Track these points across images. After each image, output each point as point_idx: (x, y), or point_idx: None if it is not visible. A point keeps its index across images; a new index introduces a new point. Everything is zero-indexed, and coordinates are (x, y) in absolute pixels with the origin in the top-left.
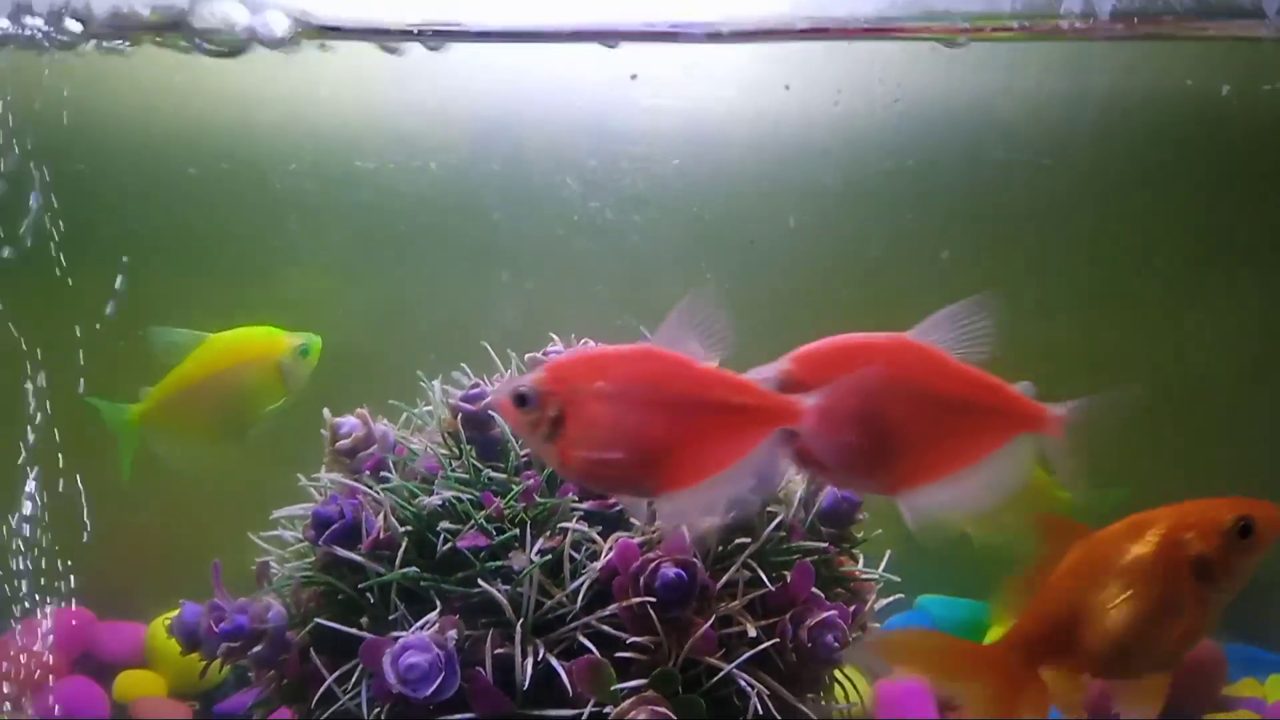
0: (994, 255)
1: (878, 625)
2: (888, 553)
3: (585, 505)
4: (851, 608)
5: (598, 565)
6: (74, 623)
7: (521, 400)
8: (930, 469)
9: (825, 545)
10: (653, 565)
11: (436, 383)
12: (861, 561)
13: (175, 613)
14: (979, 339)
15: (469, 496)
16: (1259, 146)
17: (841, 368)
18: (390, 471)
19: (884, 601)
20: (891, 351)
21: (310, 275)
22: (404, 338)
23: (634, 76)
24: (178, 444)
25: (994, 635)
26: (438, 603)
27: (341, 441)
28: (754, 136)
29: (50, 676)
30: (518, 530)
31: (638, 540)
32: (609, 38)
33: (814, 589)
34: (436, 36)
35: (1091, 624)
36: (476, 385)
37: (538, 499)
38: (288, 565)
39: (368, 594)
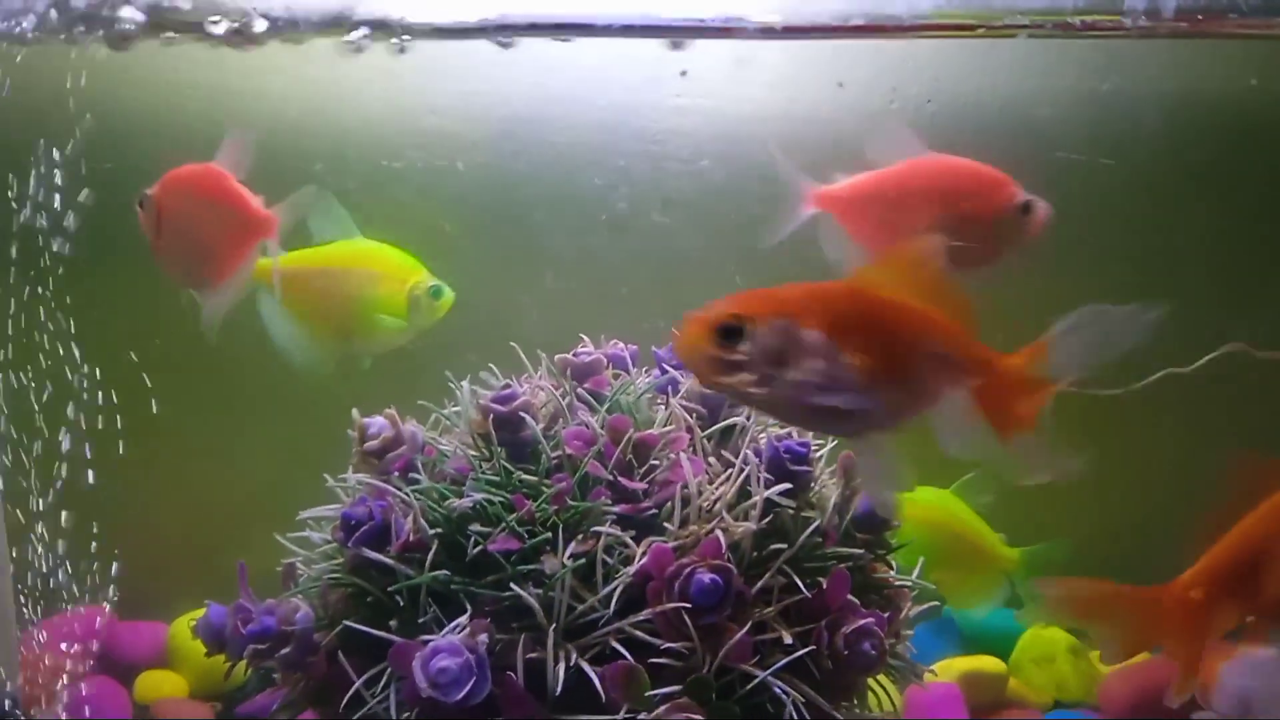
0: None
1: (910, 634)
2: (920, 559)
3: (618, 509)
4: (886, 615)
5: (631, 570)
6: (96, 621)
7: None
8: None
9: (860, 551)
10: (687, 571)
11: (465, 383)
12: (895, 568)
13: (199, 613)
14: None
15: (500, 499)
16: None
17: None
18: (419, 473)
19: (918, 609)
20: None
21: None
22: (430, 338)
23: (684, 73)
24: (289, 318)
25: (1025, 641)
26: (468, 606)
27: (370, 442)
28: (784, 136)
29: (72, 676)
30: (549, 534)
31: (672, 545)
32: (660, 33)
33: (849, 596)
34: (485, 33)
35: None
36: (508, 386)
37: (570, 502)
38: (315, 567)
39: (397, 597)
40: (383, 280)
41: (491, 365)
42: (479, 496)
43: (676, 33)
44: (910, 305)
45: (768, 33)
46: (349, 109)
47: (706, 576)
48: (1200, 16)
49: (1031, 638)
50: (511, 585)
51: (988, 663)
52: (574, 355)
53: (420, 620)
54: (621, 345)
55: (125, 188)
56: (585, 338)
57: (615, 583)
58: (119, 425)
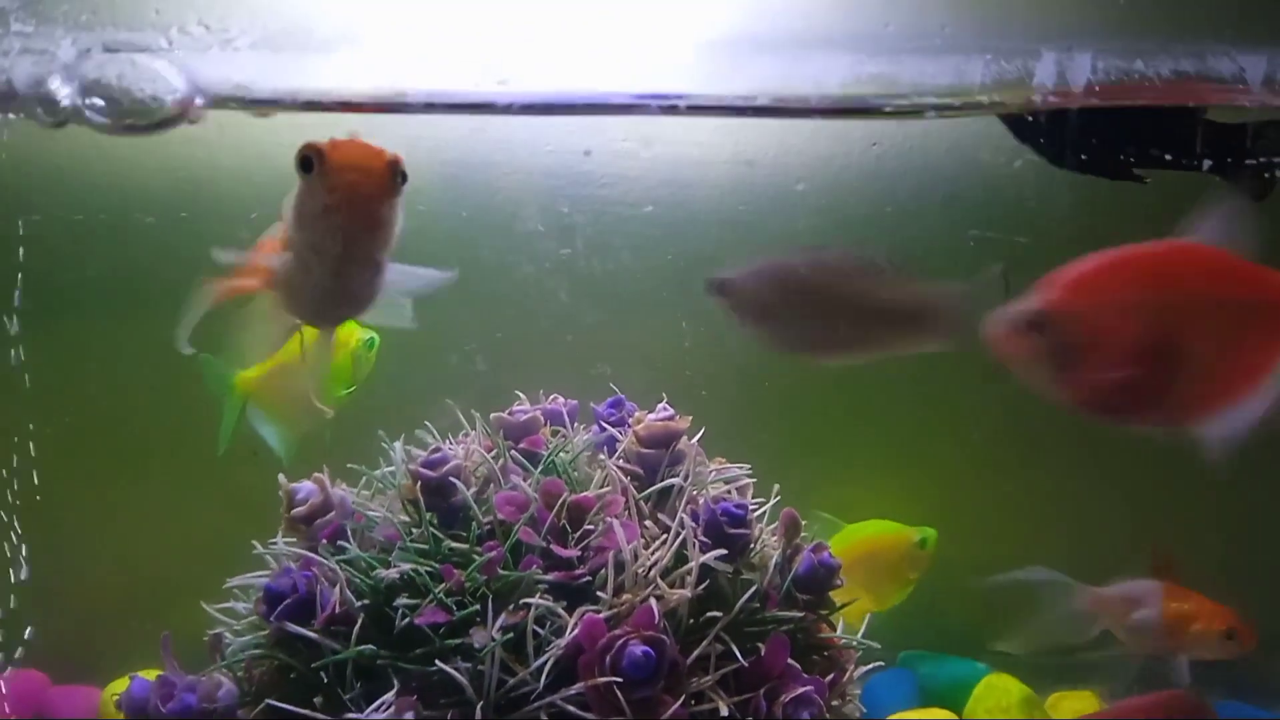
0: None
1: (858, 692)
2: (866, 616)
3: (550, 577)
4: (829, 677)
5: (562, 642)
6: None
7: (1040, 325)
8: (1227, 388)
9: (800, 615)
10: (620, 642)
11: (398, 444)
12: (841, 626)
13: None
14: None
15: (428, 569)
16: None
17: (1114, 288)
18: (349, 540)
19: (864, 669)
20: (1168, 257)
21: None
22: (362, 391)
23: (588, 153)
24: (270, 416)
25: (979, 691)
26: (395, 682)
27: (298, 508)
28: (729, 180)
29: None
30: (479, 605)
31: (605, 614)
32: (562, 111)
33: (790, 661)
34: (379, 109)
35: None
36: (438, 450)
37: (501, 571)
38: (240, 640)
39: (322, 672)
40: (336, 351)
41: (428, 423)
42: (406, 567)
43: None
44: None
45: (670, 111)
46: (284, 157)
47: (639, 649)
48: (1114, 89)
49: (985, 688)
50: (429, 660)
51: (940, 715)
52: (509, 414)
53: (346, 696)
54: (561, 400)
55: None
56: (522, 395)
57: (546, 655)
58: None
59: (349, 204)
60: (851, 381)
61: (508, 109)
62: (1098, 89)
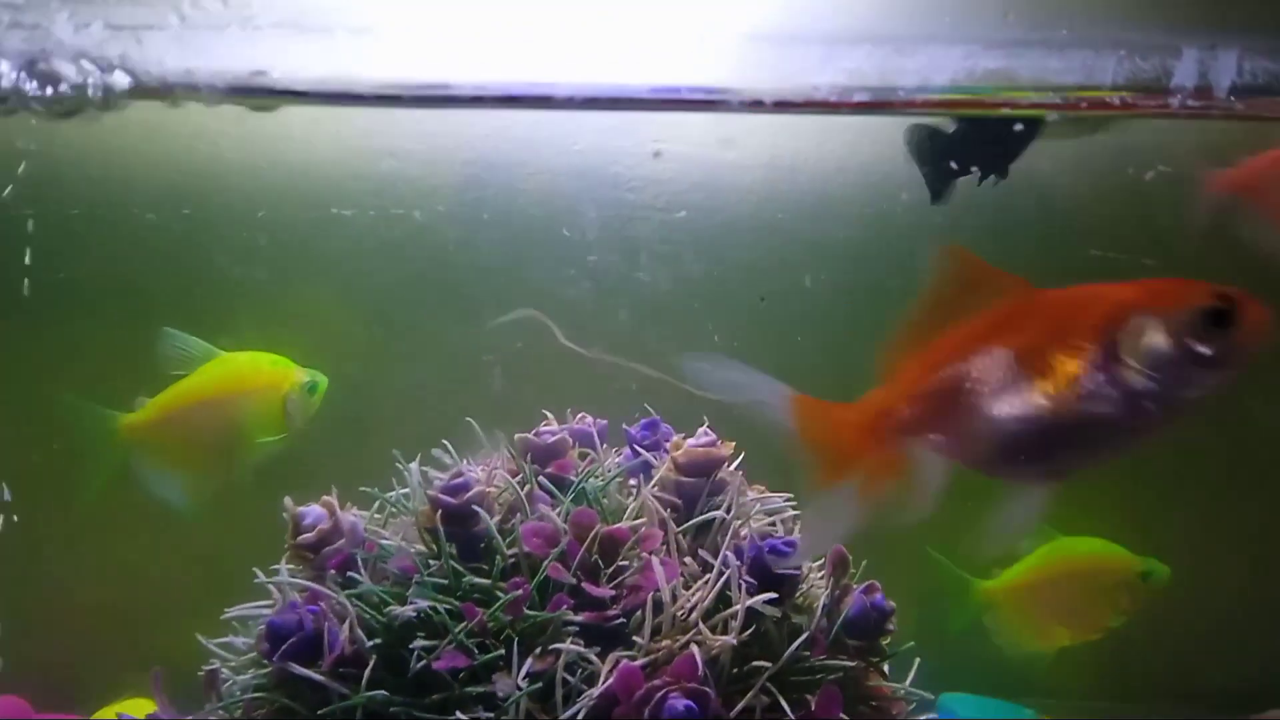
0: None
1: None
2: (916, 661)
3: (581, 618)
4: None
5: (595, 692)
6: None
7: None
8: None
9: (853, 664)
10: (659, 695)
11: (414, 465)
12: (888, 670)
13: (121, 706)
14: None
15: (447, 606)
16: None
17: None
18: (359, 571)
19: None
20: None
21: (281, 330)
22: (382, 404)
23: (657, 154)
24: (165, 466)
25: None
26: None
27: (304, 535)
28: (765, 186)
29: None
30: (503, 648)
31: (640, 662)
32: (626, 105)
33: (841, 716)
34: (418, 103)
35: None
36: (459, 474)
37: (527, 611)
38: (239, 678)
39: (329, 719)
40: (256, 397)
41: (445, 442)
42: (424, 604)
43: (649, 105)
44: None
45: (755, 106)
46: (296, 151)
47: (681, 702)
48: (1261, 97)
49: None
50: (447, 708)
51: None
52: (535, 435)
53: None
54: (590, 420)
55: None
56: (549, 415)
57: (577, 707)
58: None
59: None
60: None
61: (568, 103)
62: (1243, 98)
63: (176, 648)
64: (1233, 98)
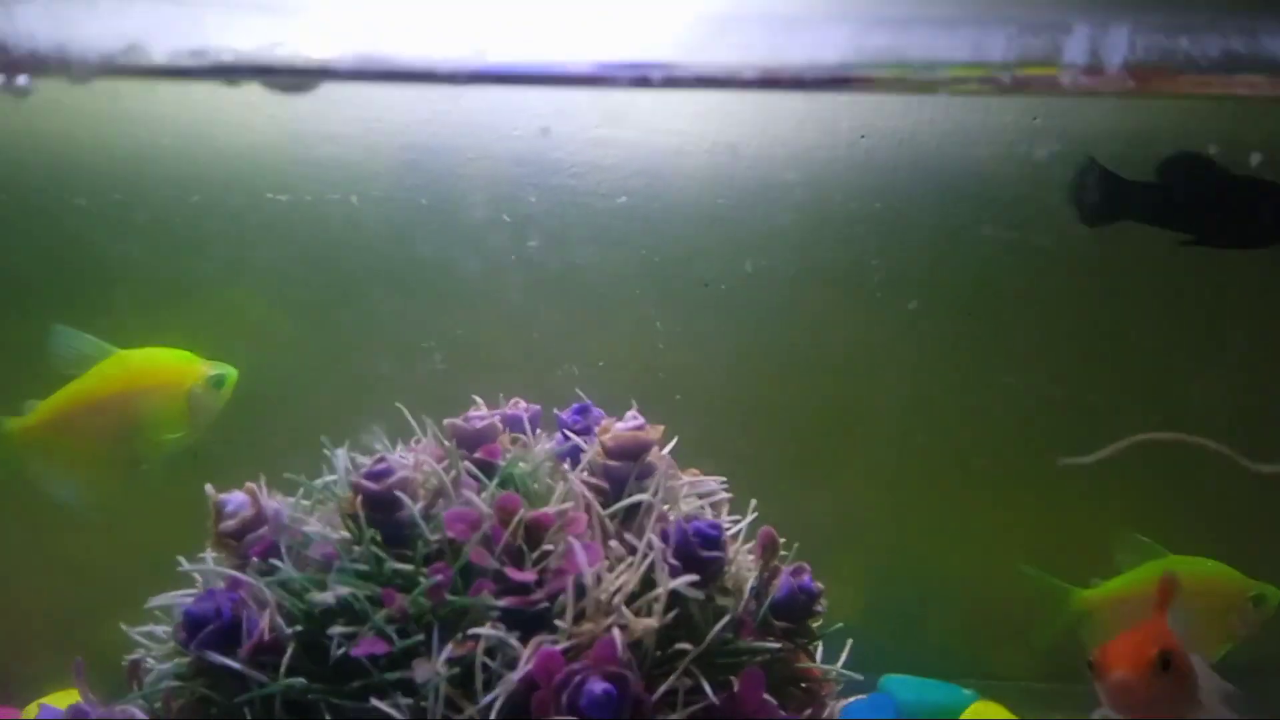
0: (965, 305)
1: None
2: (849, 643)
3: (504, 603)
4: (807, 711)
5: (515, 676)
6: None
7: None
8: None
9: (778, 645)
10: (578, 678)
11: (341, 451)
12: (821, 653)
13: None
14: None
15: (368, 592)
16: None
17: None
18: (283, 557)
19: (845, 701)
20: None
21: (210, 316)
22: (313, 391)
23: (546, 130)
24: (60, 470)
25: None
26: (328, 718)
27: (226, 522)
28: (708, 171)
29: None
30: (423, 634)
31: (563, 645)
32: (521, 81)
33: (766, 696)
34: (292, 75)
35: None
36: (382, 459)
37: (448, 596)
38: (159, 667)
39: (247, 707)
40: (156, 394)
41: (376, 428)
42: (344, 590)
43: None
44: None
45: (641, 84)
46: (232, 135)
47: (599, 685)
48: (1152, 74)
49: (971, 716)
50: (367, 695)
51: None
52: (464, 420)
53: None
54: (524, 405)
55: None
56: (479, 400)
57: (496, 691)
58: None
59: None
60: (847, 392)
61: (488, 79)
62: (1134, 71)
63: (108, 640)
64: (1125, 74)
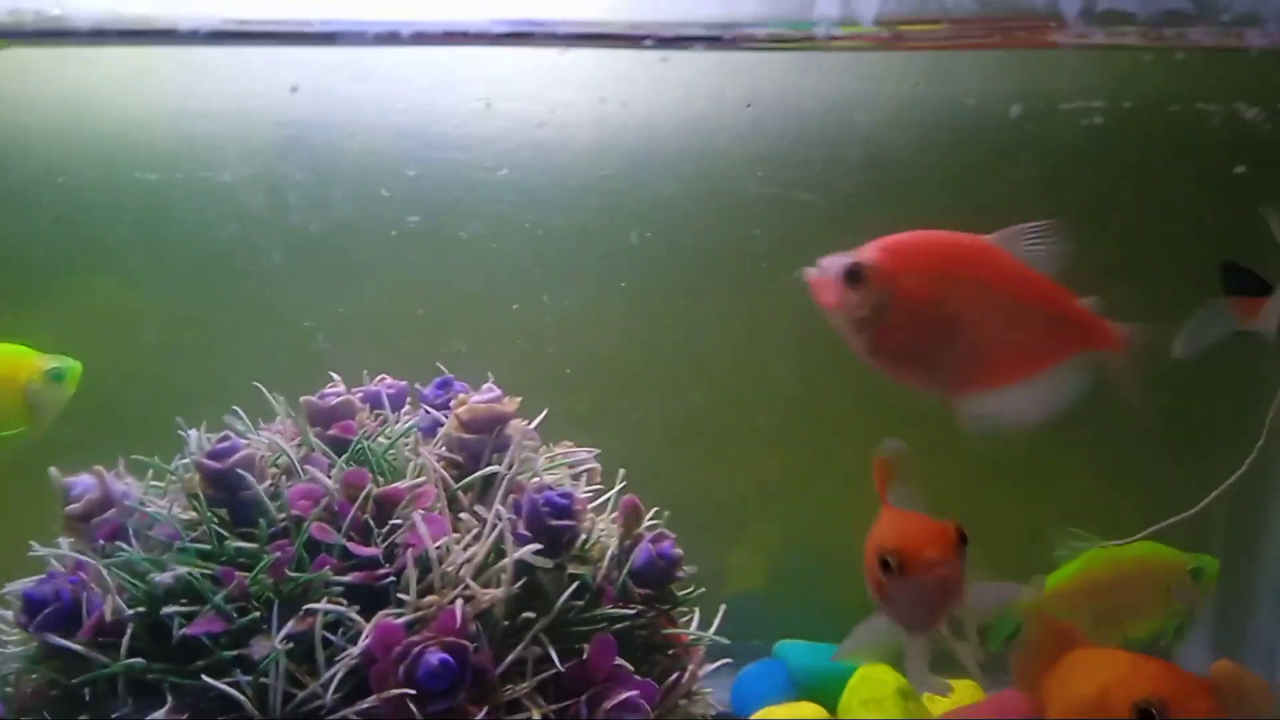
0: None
1: (709, 690)
2: (722, 608)
3: (348, 579)
4: (672, 676)
5: (355, 651)
6: None
7: (855, 277)
8: (994, 374)
9: (633, 611)
10: (415, 650)
11: (194, 431)
12: (697, 621)
13: None
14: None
15: (208, 571)
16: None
17: (924, 259)
18: (130, 539)
19: (712, 666)
20: (972, 249)
21: (77, 301)
22: (185, 374)
23: (294, 89)
24: None
25: (854, 683)
26: (169, 698)
27: (72, 504)
28: (595, 142)
29: None
30: (262, 612)
31: (407, 618)
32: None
33: (620, 662)
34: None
35: None
36: (227, 437)
37: (289, 573)
38: (8, 651)
39: (88, 688)
40: None
41: (237, 408)
42: (181, 570)
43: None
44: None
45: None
46: (101, 111)
47: (436, 656)
48: (902, 29)
49: (860, 679)
50: (209, 674)
51: (808, 710)
52: (319, 397)
53: (114, 716)
54: (389, 381)
55: None
56: (335, 376)
57: (336, 666)
58: None
59: None
60: (743, 362)
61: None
62: (888, 25)
63: None
64: (879, 26)
